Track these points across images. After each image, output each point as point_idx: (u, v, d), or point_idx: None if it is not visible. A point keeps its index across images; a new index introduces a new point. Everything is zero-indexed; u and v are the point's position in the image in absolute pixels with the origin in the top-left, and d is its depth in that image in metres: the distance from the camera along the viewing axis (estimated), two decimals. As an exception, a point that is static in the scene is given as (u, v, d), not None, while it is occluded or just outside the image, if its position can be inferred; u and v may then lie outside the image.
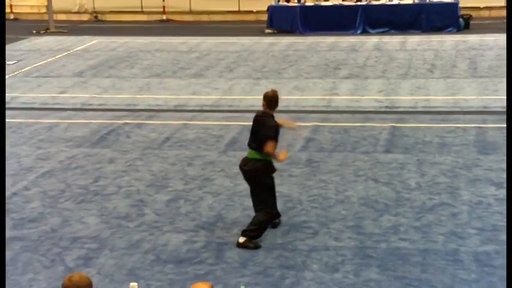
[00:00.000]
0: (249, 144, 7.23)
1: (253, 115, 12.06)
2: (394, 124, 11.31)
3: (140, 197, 8.60)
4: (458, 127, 11.03)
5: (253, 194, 7.24)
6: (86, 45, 19.24)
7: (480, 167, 9.27)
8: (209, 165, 9.67)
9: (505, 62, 15.45)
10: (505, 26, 20.32)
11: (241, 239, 7.16)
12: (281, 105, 12.80)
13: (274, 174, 8.79)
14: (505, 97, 12.66)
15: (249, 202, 8.34)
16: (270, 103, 7.14)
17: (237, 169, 9.44)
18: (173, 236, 7.48)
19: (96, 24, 23.93)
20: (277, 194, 8.52)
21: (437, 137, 10.56)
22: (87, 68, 16.32)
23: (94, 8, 25.00)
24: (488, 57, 16.14)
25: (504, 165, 9.26)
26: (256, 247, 7.10)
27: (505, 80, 13.94)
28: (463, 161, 9.51)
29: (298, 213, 7.97)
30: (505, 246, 7.02)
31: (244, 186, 8.84)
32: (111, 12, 24.86)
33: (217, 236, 7.47)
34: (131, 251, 7.17)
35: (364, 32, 20.02)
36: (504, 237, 7.23)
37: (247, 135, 11.03)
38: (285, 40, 19.24)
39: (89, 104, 13.16)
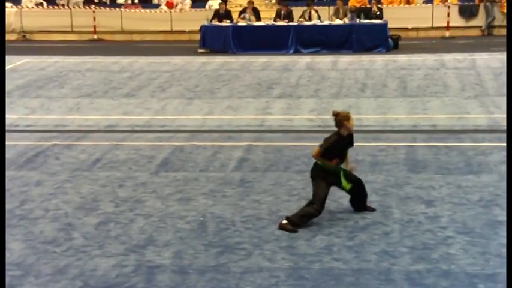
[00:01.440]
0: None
1: (185, 135, 12.14)
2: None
3: (68, 220, 8.33)
4: (389, 146, 11.15)
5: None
6: (13, 65, 18.74)
7: (410, 185, 9.36)
8: (140, 187, 9.48)
9: (433, 82, 15.78)
10: (432, 46, 20.83)
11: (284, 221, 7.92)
12: (214, 125, 13.04)
13: (208, 194, 8.84)
14: (435, 116, 12.91)
15: (180, 224, 8.21)
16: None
17: (169, 190, 9.36)
18: (102, 261, 7.24)
19: (25, 44, 23.39)
20: (209, 215, 8.47)
21: (369, 156, 10.64)
22: (14, 88, 15.88)
23: (22, 27, 24.43)
24: (417, 76, 16.44)
25: (434, 183, 9.37)
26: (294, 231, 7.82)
27: (433, 99, 14.22)
28: (394, 179, 9.59)
29: (231, 235, 7.86)
30: (436, 265, 7.06)
31: (176, 208, 8.71)
32: (40, 31, 24.35)
33: (148, 259, 7.27)
34: (57, 277, 6.90)
35: (297, 52, 20.17)
36: (435, 255, 7.28)
37: (179, 156, 11.06)
38: (218, 59, 19.21)
39: (16, 125, 12.77)
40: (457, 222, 8.09)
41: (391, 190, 9.19)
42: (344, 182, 8.09)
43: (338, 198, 8.90)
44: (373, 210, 8.41)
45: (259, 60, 18.97)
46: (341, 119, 7.90)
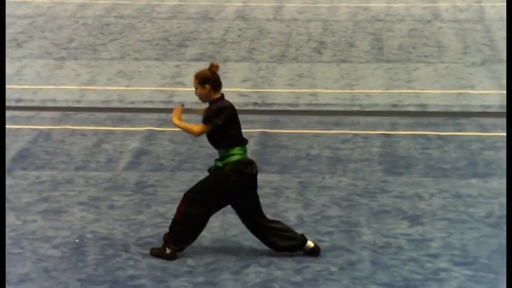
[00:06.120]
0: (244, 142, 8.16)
1: (54, 114, 12.02)
2: (264, 130, 11.44)
3: None
4: (357, 134, 11.32)
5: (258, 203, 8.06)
6: None
7: (387, 192, 9.54)
8: (-16, 192, 9.41)
9: (422, 41, 16.00)
10: None
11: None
12: (97, 100, 12.97)
13: (88, 204, 8.69)
14: (424, 91, 13.16)
15: (45, 250, 8.16)
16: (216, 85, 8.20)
17: (27, 198, 9.28)
18: None
19: None
20: (89, 236, 8.45)
21: (327, 149, 10.80)
22: None
23: None
24: (398, 32, 16.51)
25: (421, 190, 9.57)
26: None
27: (422, 66, 14.45)
28: (364, 184, 9.76)
29: (123, 265, 7.87)
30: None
31: (39, 225, 8.65)
32: None
33: (-4, 303, 7.24)
34: None
35: (222, -8, 20.19)
36: None
37: (44, 146, 10.96)
38: (104, 0, 19.07)
39: None
40: (453, 248, 8.26)
41: (360, 200, 9.34)
42: None
43: (281, 211, 9.01)
44: (313, 251, 8.07)
45: (166, 3, 18.92)
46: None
